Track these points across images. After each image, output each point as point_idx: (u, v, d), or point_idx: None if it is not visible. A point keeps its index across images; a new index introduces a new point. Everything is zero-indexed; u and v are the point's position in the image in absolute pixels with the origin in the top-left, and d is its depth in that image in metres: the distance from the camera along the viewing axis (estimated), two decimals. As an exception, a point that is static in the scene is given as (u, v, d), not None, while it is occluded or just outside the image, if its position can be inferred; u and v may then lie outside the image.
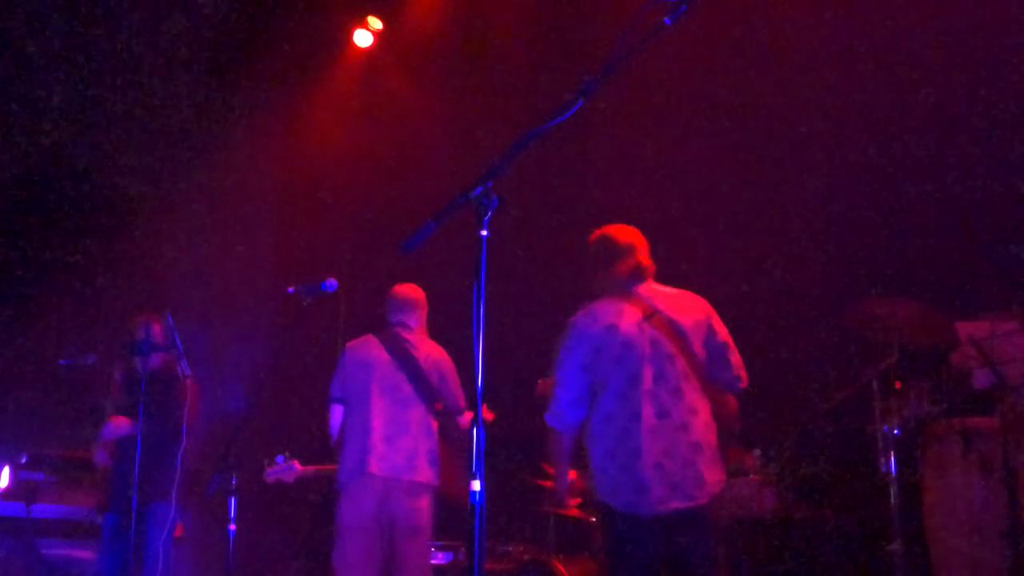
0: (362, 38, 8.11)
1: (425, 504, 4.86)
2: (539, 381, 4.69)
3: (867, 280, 5.73)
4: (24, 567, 5.86)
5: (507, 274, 6.53)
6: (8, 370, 7.37)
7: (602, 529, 3.70)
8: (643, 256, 3.84)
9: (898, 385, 4.77)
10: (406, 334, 5.09)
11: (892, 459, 4.64)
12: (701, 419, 3.62)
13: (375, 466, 4.76)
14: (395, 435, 4.85)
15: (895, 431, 4.67)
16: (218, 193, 8.07)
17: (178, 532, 5.36)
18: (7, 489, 5.87)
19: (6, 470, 5.91)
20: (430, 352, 5.09)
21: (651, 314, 3.68)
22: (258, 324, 8.00)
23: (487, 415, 4.98)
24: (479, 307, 2.24)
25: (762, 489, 5.35)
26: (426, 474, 4.85)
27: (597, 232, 3.94)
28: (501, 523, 6.36)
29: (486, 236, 2.28)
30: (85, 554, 6.01)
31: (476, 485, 2.17)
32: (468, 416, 4.84)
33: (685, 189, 6.60)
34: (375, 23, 8.09)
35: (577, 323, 3.76)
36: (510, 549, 6.00)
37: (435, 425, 4.94)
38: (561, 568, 5.31)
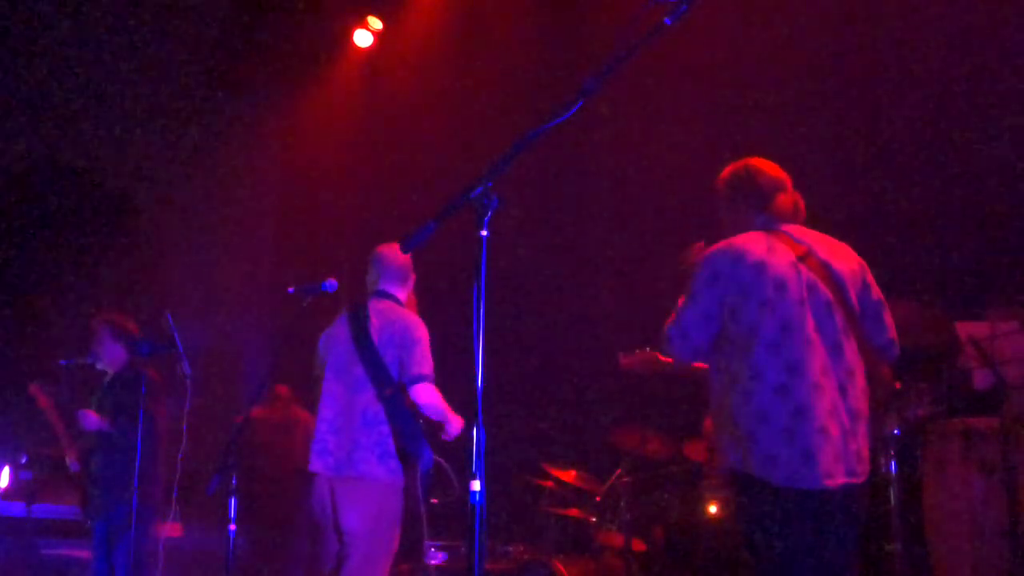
0: (362, 38, 8.11)
1: (369, 505, 4.15)
2: (620, 355, 4.38)
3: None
4: (24, 567, 5.87)
5: (507, 274, 6.53)
6: (8, 370, 7.37)
7: (745, 511, 3.11)
8: (790, 195, 3.35)
9: (898, 385, 4.77)
10: (379, 304, 4.45)
11: (892, 459, 4.64)
12: (859, 383, 3.11)
13: (316, 463, 4.22)
14: (344, 426, 4.22)
15: (895, 431, 4.67)
16: (218, 193, 8.08)
17: (178, 532, 5.36)
18: (7, 489, 5.87)
19: (6, 470, 5.92)
20: (394, 320, 4.35)
21: (805, 254, 3.16)
22: (258, 324, 8.00)
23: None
24: (479, 307, 2.24)
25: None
26: (373, 469, 4.12)
27: (737, 164, 3.41)
28: (501, 523, 6.37)
29: (486, 236, 2.27)
30: (85, 554, 6.01)
31: (476, 485, 2.16)
32: (424, 387, 4.20)
33: (685, 188, 6.60)
34: (375, 23, 8.10)
35: (714, 259, 3.18)
36: (510, 549, 6.00)
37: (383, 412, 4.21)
38: (561, 568, 5.31)
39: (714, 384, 3.21)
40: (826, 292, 3.12)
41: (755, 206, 3.32)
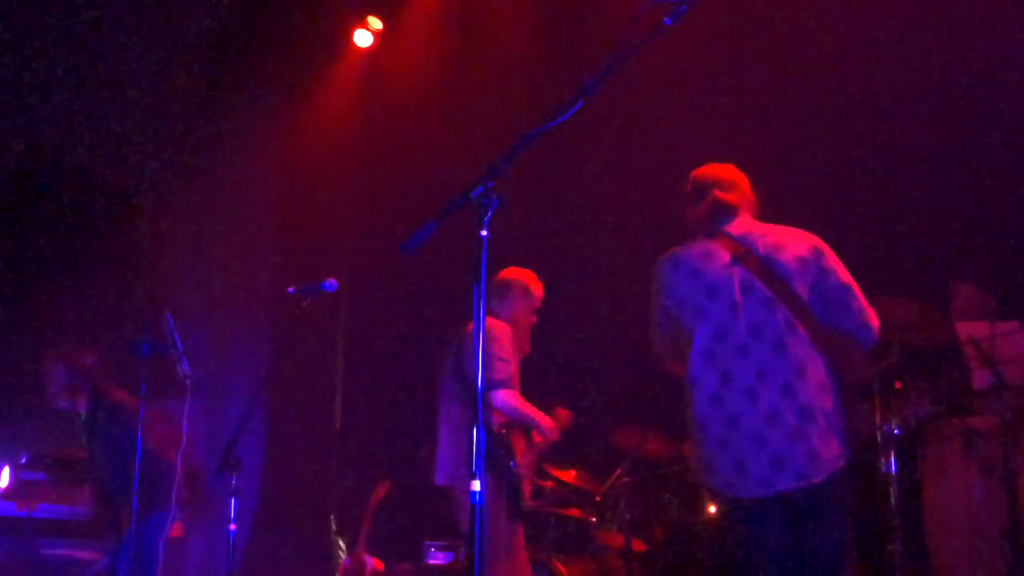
0: (362, 38, 8.11)
1: (464, 511, 4.29)
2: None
3: (867, 280, 5.72)
4: (24, 567, 5.86)
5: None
6: (8, 370, 7.37)
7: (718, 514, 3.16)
8: (726, 191, 3.32)
9: (898, 385, 4.77)
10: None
11: (892, 459, 4.64)
12: (812, 380, 3.00)
13: (437, 477, 4.47)
14: (454, 441, 4.43)
15: (895, 431, 4.67)
16: (218, 193, 8.07)
17: (178, 532, 5.36)
18: (7, 489, 5.87)
19: (6, 470, 5.91)
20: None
21: (742, 254, 3.12)
22: (258, 324, 8.00)
23: (565, 415, 4.73)
24: (479, 307, 2.24)
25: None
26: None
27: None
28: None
29: (486, 236, 2.27)
30: (85, 554, 6.01)
31: (476, 485, 2.17)
32: (496, 394, 4.30)
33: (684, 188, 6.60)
34: (375, 23, 8.09)
35: (658, 269, 3.29)
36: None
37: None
38: (561, 568, 5.31)
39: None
40: (765, 290, 3.05)
41: (695, 209, 3.34)
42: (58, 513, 5.99)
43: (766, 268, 3.07)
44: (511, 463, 4.33)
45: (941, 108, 5.64)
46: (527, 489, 4.40)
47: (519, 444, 4.45)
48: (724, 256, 3.15)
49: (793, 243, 3.17)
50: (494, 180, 2.30)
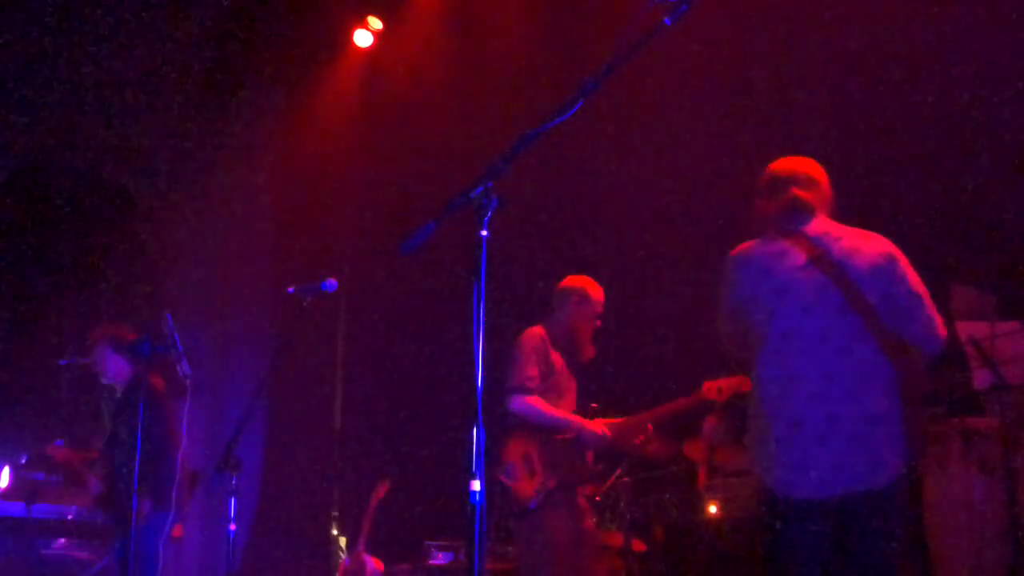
0: (362, 38, 8.11)
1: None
2: (705, 384, 4.59)
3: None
4: (24, 567, 5.86)
5: (507, 274, 6.53)
6: (8, 370, 7.37)
7: (762, 519, 3.11)
8: (805, 189, 3.24)
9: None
10: None
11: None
12: (877, 386, 2.99)
13: None
14: None
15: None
16: (218, 193, 8.08)
17: (178, 532, 5.37)
18: (7, 489, 5.87)
19: (6, 470, 5.91)
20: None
21: (817, 256, 3.09)
22: (258, 324, 8.00)
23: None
24: (479, 307, 2.24)
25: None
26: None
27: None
28: (501, 523, 6.36)
29: (486, 236, 2.27)
30: (85, 554, 6.01)
31: (476, 485, 2.17)
32: (511, 400, 4.45)
33: (686, 188, 6.60)
34: (375, 23, 8.10)
35: (729, 263, 3.24)
36: (510, 549, 6.00)
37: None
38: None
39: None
40: (837, 295, 3.03)
41: (771, 205, 3.27)
42: (58, 513, 5.99)
43: (840, 273, 3.05)
44: (504, 467, 4.43)
45: (941, 107, 5.64)
46: (524, 497, 4.40)
47: (519, 448, 4.46)
48: (799, 257, 3.11)
49: (868, 249, 3.14)
50: (494, 180, 2.30)
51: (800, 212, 3.22)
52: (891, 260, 3.13)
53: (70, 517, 6.02)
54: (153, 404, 4.86)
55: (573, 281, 4.77)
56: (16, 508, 5.84)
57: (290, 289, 4.32)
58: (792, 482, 2.97)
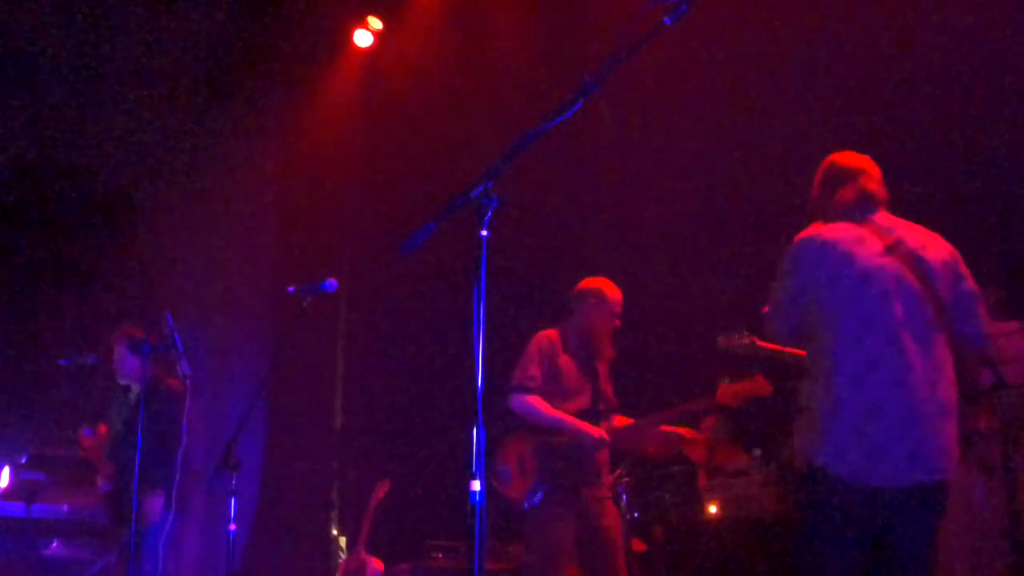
0: (362, 38, 8.11)
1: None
2: (719, 337, 4.34)
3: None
4: (24, 567, 5.87)
5: (507, 274, 6.52)
6: (8, 370, 7.37)
7: (803, 498, 3.07)
8: (873, 183, 3.29)
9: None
10: None
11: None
12: (947, 376, 3.03)
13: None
14: None
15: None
16: (218, 193, 8.08)
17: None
18: (7, 489, 5.87)
19: (6, 470, 5.91)
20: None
21: (892, 244, 3.10)
22: (258, 324, 8.00)
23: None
24: (479, 307, 2.24)
25: (763, 489, 5.35)
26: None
27: (826, 159, 3.41)
28: (501, 523, 6.37)
29: (486, 236, 2.27)
30: (85, 554, 6.01)
31: (476, 485, 2.17)
32: (511, 399, 4.49)
33: (686, 188, 6.60)
34: (375, 23, 8.10)
35: (800, 246, 3.19)
36: (510, 549, 6.00)
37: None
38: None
39: (805, 372, 3.20)
40: (914, 284, 3.06)
41: (829, 197, 3.29)
42: (58, 513, 5.99)
43: (916, 264, 3.08)
44: (496, 468, 4.47)
45: (941, 107, 5.64)
46: (516, 499, 4.41)
47: (516, 449, 4.48)
48: (876, 244, 3.11)
49: (934, 245, 3.19)
50: (494, 180, 2.30)
51: (872, 201, 3.24)
52: (956, 257, 3.19)
53: (70, 517, 6.02)
54: (172, 405, 4.91)
55: (590, 283, 4.78)
56: (16, 508, 5.84)
57: (290, 289, 4.32)
58: (866, 470, 2.93)
